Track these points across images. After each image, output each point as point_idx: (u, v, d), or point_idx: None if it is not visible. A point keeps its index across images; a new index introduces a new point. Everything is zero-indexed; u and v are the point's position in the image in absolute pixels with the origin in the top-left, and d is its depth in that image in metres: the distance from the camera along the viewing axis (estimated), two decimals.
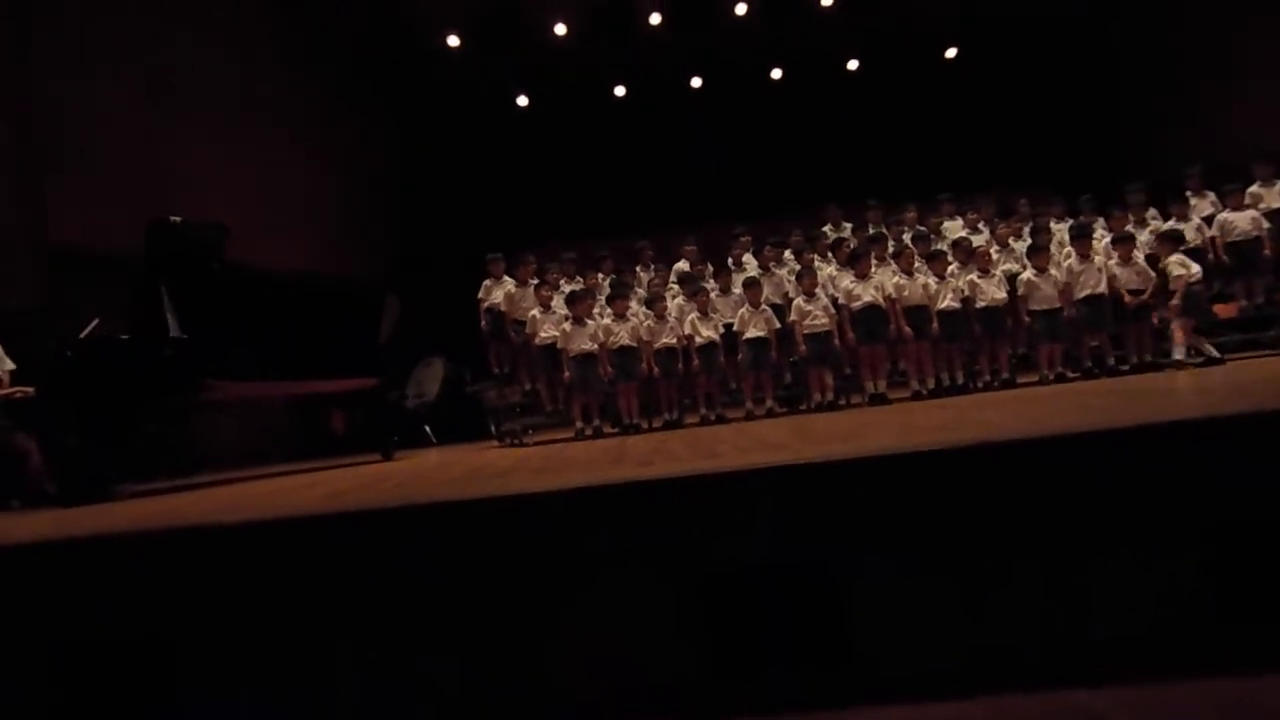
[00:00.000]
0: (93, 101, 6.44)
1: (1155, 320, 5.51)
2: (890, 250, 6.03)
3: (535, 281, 6.32)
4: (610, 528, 1.90)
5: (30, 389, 4.37)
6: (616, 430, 5.50)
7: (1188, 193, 6.51)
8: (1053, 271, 5.54)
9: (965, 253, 5.83)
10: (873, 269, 5.67)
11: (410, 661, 1.86)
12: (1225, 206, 6.17)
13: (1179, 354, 4.94)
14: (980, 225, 6.99)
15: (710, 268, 6.85)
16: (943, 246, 6.12)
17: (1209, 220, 6.20)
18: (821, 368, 5.51)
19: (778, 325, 5.61)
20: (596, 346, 5.51)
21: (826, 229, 7.54)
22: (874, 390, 5.44)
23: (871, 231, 6.96)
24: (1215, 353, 4.91)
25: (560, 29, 9.66)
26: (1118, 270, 5.44)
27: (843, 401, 5.63)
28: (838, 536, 1.87)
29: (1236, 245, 6.00)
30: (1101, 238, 5.88)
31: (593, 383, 5.49)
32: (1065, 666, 1.74)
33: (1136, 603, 1.80)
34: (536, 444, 5.35)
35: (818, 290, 5.62)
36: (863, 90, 10.75)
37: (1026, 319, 5.53)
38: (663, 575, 1.86)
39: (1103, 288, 5.38)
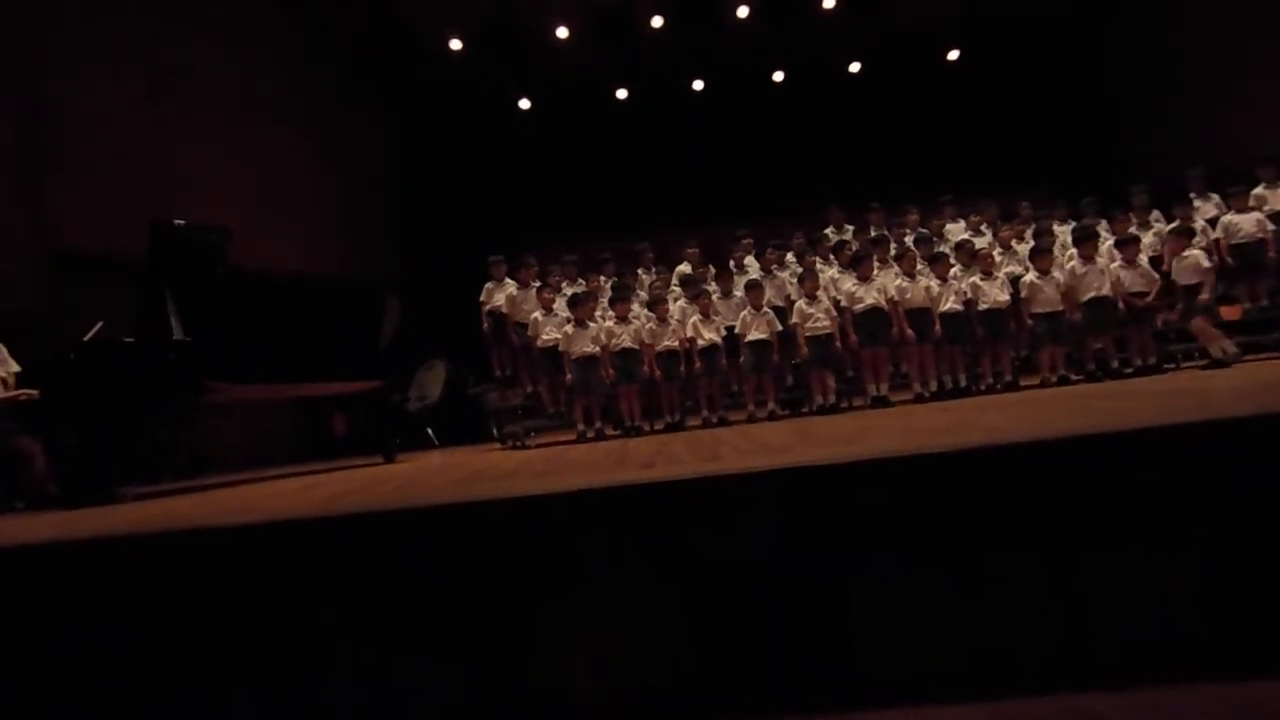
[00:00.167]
0: (92, 102, 6.45)
1: (1160, 323, 5.50)
2: (892, 252, 6.02)
3: (537, 284, 6.32)
4: (612, 530, 1.90)
5: (35, 391, 4.38)
6: (618, 433, 5.50)
7: (1191, 195, 6.50)
8: (1055, 274, 5.53)
9: (968, 255, 5.82)
10: (875, 271, 5.66)
11: (411, 663, 1.86)
12: (1230, 208, 6.16)
13: (1216, 351, 4.96)
14: (983, 227, 6.98)
15: (712, 270, 6.85)
16: (945, 249, 6.11)
17: (1213, 222, 6.19)
18: (823, 370, 5.50)
19: (779, 328, 5.60)
20: (598, 349, 5.51)
21: (828, 231, 7.53)
22: (876, 393, 5.43)
23: (873, 234, 6.95)
24: (1222, 354, 4.92)
25: (562, 31, 9.67)
26: (1122, 273, 5.43)
27: (844, 404, 5.62)
28: (839, 539, 1.87)
29: (1241, 247, 5.98)
30: (1105, 240, 5.87)
31: (594, 385, 5.49)
32: (1067, 670, 1.74)
33: (1139, 606, 1.80)
34: (538, 446, 5.35)
35: (819, 293, 5.61)
36: (864, 92, 10.75)
37: (1029, 321, 5.52)
38: (663, 576, 1.86)
39: (1107, 290, 5.37)
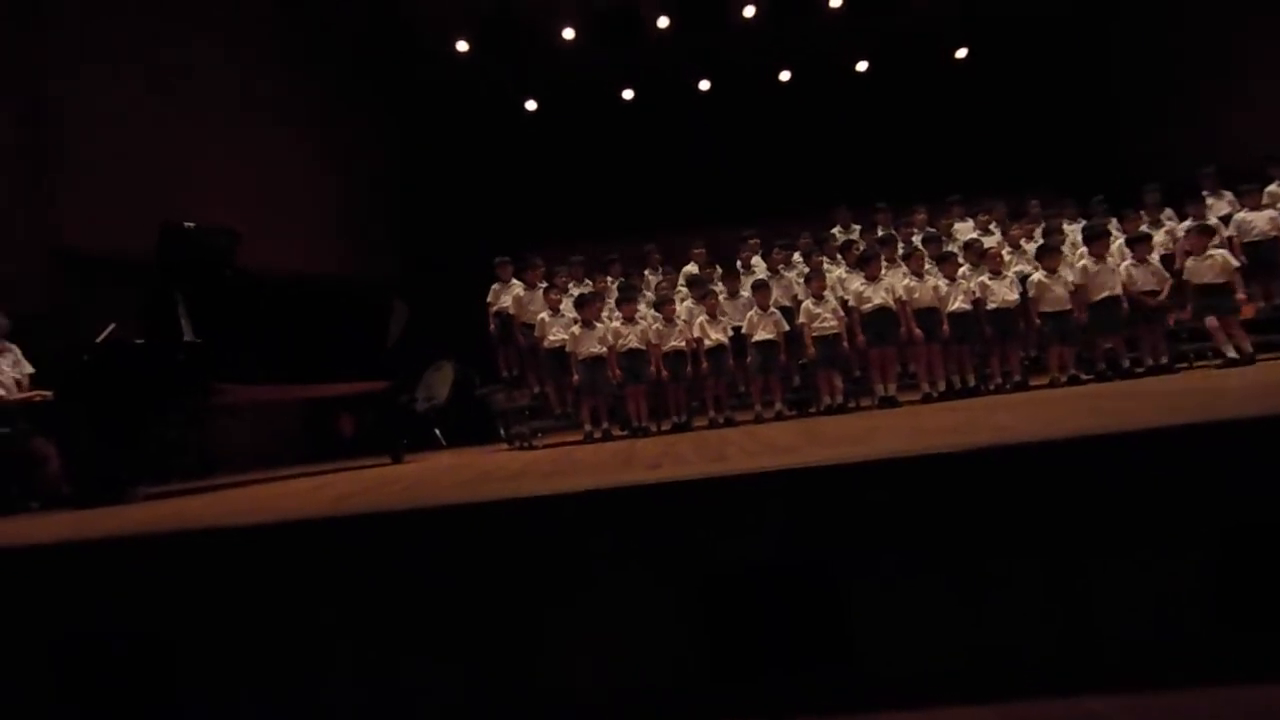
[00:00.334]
0: (92, 102, 6.48)
1: (1171, 322, 5.45)
2: (900, 252, 6.00)
3: (544, 284, 6.33)
4: (619, 530, 1.90)
5: (49, 392, 4.43)
6: (625, 433, 5.50)
7: (1204, 192, 6.45)
8: (1063, 273, 5.49)
9: (976, 254, 5.79)
10: (883, 271, 5.64)
11: (414, 663, 1.86)
12: (1243, 206, 6.10)
13: (1230, 350, 4.99)
14: (991, 226, 6.94)
15: (719, 270, 6.83)
16: (953, 248, 6.08)
17: (1226, 220, 6.13)
18: (831, 370, 5.48)
19: (786, 328, 5.59)
20: (605, 349, 5.51)
21: (835, 231, 7.52)
22: (884, 393, 5.41)
23: (881, 233, 6.92)
24: (1235, 353, 4.89)
25: (567, 32, 9.67)
26: (1133, 271, 5.39)
27: (852, 404, 5.60)
28: (846, 539, 1.86)
29: (1255, 245, 5.93)
30: (1115, 239, 5.83)
31: (601, 385, 5.50)
32: (1071, 671, 1.72)
33: (1143, 607, 1.78)
34: (545, 447, 5.36)
35: (827, 293, 5.60)
36: (870, 92, 10.71)
37: (1037, 321, 5.49)
38: (665, 577, 1.86)
39: (1117, 290, 5.33)
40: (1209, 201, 6.36)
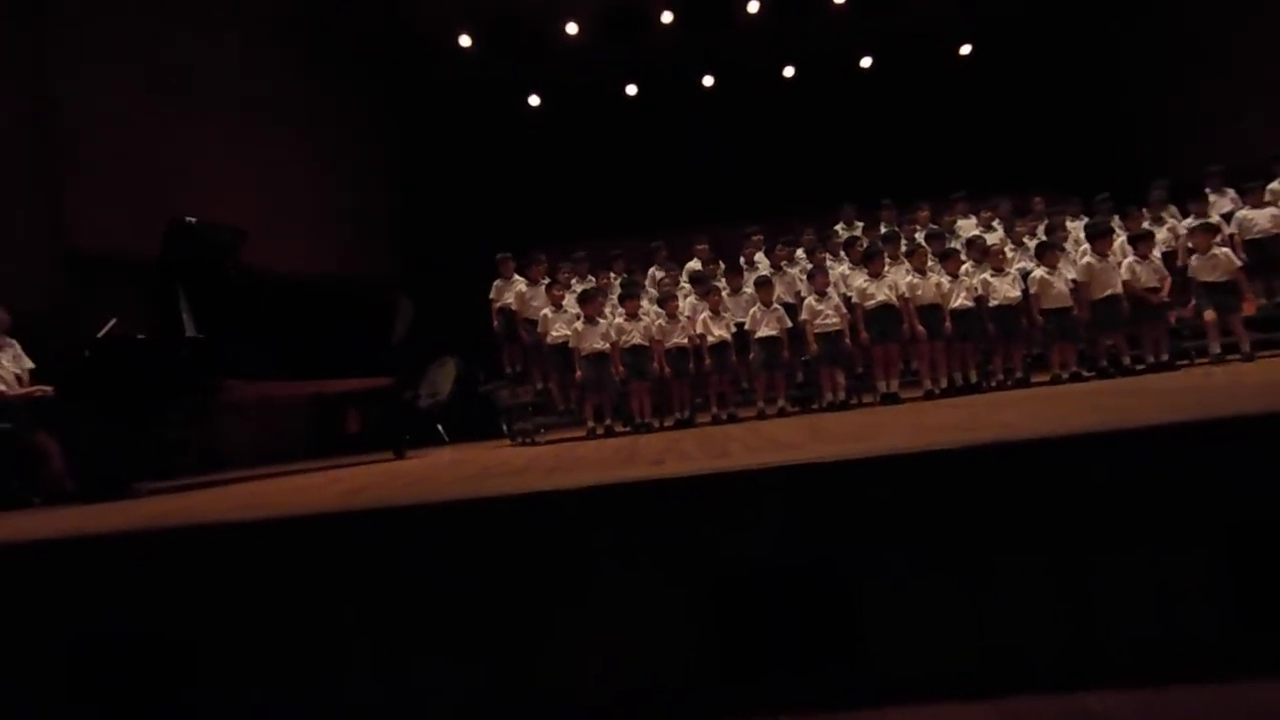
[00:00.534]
0: (95, 103, 6.50)
1: (1172, 319, 5.44)
2: (903, 249, 5.99)
3: (547, 281, 6.33)
4: (621, 527, 1.90)
5: (50, 388, 4.44)
6: (628, 429, 5.51)
7: (1207, 190, 6.43)
8: (1064, 270, 5.48)
9: (979, 251, 5.79)
10: (886, 268, 5.64)
11: (422, 660, 1.87)
12: (1245, 204, 6.09)
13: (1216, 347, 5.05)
14: (994, 223, 6.92)
15: (722, 267, 6.83)
16: (956, 245, 6.08)
17: (1228, 217, 6.12)
18: (833, 367, 5.49)
19: (789, 324, 5.59)
20: (608, 346, 5.52)
21: (839, 228, 7.51)
22: (886, 390, 5.41)
23: (884, 230, 6.92)
24: (1218, 349, 4.98)
25: (571, 28, 9.66)
26: (1136, 268, 5.38)
27: (855, 401, 5.60)
28: (849, 536, 1.87)
29: (1257, 243, 5.91)
30: (1118, 236, 5.82)
31: (605, 382, 5.50)
32: (1078, 669, 1.73)
33: (1150, 605, 1.79)
34: (548, 443, 5.37)
35: (830, 289, 5.60)
36: (875, 89, 10.69)
37: (1040, 318, 5.49)
38: (673, 575, 1.87)
39: (1119, 287, 5.32)
40: (1211, 199, 6.34)
